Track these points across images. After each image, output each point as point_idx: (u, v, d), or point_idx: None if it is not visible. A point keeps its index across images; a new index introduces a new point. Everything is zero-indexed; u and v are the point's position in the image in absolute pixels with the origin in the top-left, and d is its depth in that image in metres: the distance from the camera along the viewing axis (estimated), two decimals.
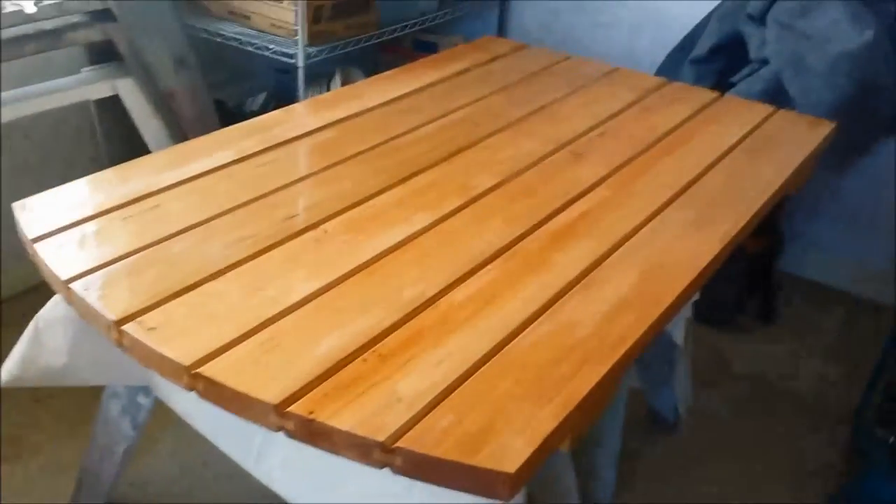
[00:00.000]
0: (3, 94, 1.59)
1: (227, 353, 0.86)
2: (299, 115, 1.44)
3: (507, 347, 0.90)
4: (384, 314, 0.93)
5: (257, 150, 1.29)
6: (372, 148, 1.33)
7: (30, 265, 1.03)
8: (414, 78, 1.62)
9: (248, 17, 1.94)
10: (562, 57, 1.79)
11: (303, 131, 1.36)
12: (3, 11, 1.48)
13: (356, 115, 1.45)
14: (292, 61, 1.85)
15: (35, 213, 1.08)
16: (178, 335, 0.87)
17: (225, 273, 0.98)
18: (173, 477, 1.52)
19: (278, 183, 1.19)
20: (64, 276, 0.95)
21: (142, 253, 1.01)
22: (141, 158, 1.24)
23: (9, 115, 1.56)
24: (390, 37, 2.10)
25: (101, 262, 0.98)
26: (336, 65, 2.08)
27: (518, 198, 1.21)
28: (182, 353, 0.85)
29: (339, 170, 1.25)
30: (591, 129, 1.47)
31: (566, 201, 1.21)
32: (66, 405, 1.62)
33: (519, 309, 0.96)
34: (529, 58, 1.79)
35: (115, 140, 1.93)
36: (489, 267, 1.04)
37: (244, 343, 0.87)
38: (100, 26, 1.66)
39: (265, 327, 0.90)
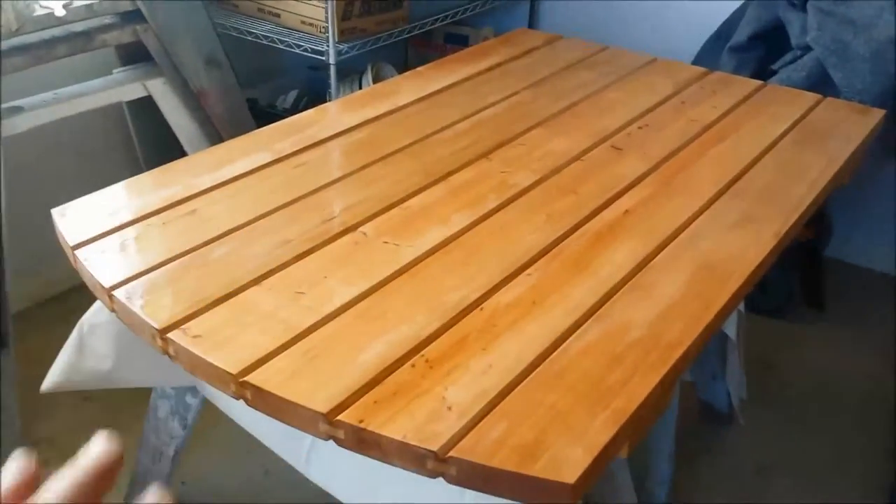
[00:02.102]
0: (35, 98, 1.59)
1: (273, 360, 0.84)
2: (333, 115, 1.42)
3: (555, 353, 0.87)
4: (428, 319, 0.91)
5: (292, 150, 1.27)
6: (407, 146, 1.31)
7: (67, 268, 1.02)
8: (446, 73, 1.60)
9: (277, 15, 1.93)
10: (597, 48, 1.76)
11: (337, 131, 1.35)
12: (34, 14, 1.48)
13: (389, 112, 1.42)
14: (323, 58, 1.84)
15: (74, 220, 1.07)
16: (223, 343, 0.86)
17: (266, 278, 0.97)
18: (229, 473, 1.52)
19: (315, 184, 1.18)
20: (106, 284, 0.95)
21: (182, 259, 1.00)
22: (177, 161, 1.23)
23: (41, 119, 1.56)
24: (421, 31, 2.07)
25: (143, 268, 0.97)
26: (367, 60, 2.06)
27: (559, 195, 1.19)
28: (228, 361, 0.84)
29: (375, 169, 1.24)
30: (631, 122, 1.43)
31: (608, 198, 1.18)
32: (116, 402, 1.62)
33: (566, 312, 0.93)
34: (564, 50, 1.76)
35: (150, 141, 1.93)
36: (532, 268, 1.02)
37: (288, 351, 0.86)
38: (130, 27, 1.65)
39: (308, 334, 0.88)
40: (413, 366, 0.85)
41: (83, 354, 1.10)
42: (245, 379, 0.81)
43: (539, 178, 1.23)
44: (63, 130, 1.80)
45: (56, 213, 1.08)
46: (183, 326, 0.88)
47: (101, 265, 0.98)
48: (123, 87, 1.72)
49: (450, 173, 1.23)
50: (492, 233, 1.09)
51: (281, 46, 1.90)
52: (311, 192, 1.16)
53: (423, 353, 0.86)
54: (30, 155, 1.71)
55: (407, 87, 1.54)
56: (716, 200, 1.18)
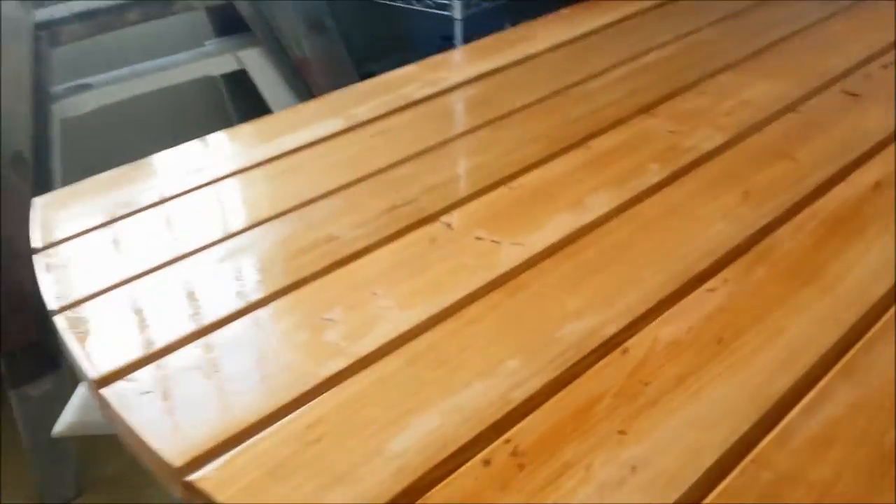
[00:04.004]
0: (107, 74, 1.35)
1: (244, 446, 0.49)
2: (439, 69, 1.05)
3: (761, 446, 0.46)
4: (527, 369, 0.52)
5: (373, 116, 0.92)
6: (533, 103, 0.92)
7: None
8: (603, 11, 1.19)
9: None
10: None
11: (440, 88, 0.98)
12: None
13: (517, 63, 1.04)
14: (448, 14, 1.48)
15: (49, 214, 0.78)
16: (180, 405, 0.52)
17: (288, 293, 0.62)
18: None
19: (391, 158, 0.82)
20: (53, 307, 0.64)
21: (168, 268, 0.67)
22: (220, 133, 0.92)
23: (109, 97, 1.32)
24: None
25: (103, 287, 0.66)
26: (505, 19, 1.68)
27: (762, 162, 0.76)
28: (175, 445, 0.49)
29: (482, 135, 0.86)
30: (871, 59, 0.96)
31: (844, 166, 0.74)
32: None
33: (779, 362, 0.51)
34: None
35: (249, 118, 1.66)
36: (718, 279, 0.60)
37: (278, 426, 0.50)
38: None
39: (319, 394, 0.52)
40: (487, 463, 0.46)
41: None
42: (190, 479, 0.47)
43: (730, 137, 0.80)
44: (159, 103, 1.57)
45: (38, 202, 0.80)
46: (127, 377, 0.55)
47: (58, 277, 0.68)
48: (212, 60, 1.45)
49: (590, 136, 0.83)
50: (649, 222, 0.68)
51: (400, 3, 1.56)
52: (384, 169, 0.80)
53: (508, 436, 0.48)
54: (114, 129, 1.48)
55: (546, 31, 1.15)
56: None
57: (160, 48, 1.50)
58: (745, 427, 0.47)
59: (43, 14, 1.25)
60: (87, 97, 1.30)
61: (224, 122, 1.68)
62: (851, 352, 0.52)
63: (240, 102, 1.63)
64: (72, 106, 1.28)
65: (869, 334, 0.53)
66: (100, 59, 1.43)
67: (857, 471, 0.44)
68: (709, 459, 0.45)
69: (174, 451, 0.49)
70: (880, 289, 0.58)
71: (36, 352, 1.24)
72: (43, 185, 1.22)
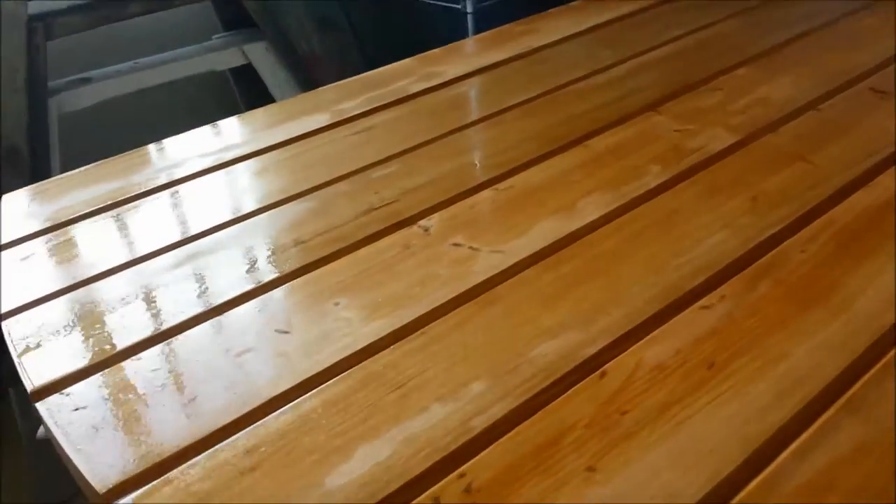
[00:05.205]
0: (108, 68, 1.32)
1: (182, 467, 0.44)
2: (437, 62, 1.00)
3: (757, 482, 0.40)
4: (493, 392, 0.47)
5: (361, 111, 0.87)
6: (529, 100, 0.86)
7: None
8: (612, 6, 1.13)
9: None
10: None
11: (434, 83, 0.93)
12: None
13: (518, 56, 0.99)
14: (458, 6, 1.43)
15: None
16: (107, 423, 0.47)
17: (243, 302, 0.57)
18: None
19: (374, 157, 0.77)
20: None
21: (133, 268, 0.63)
22: (204, 128, 0.87)
23: (108, 91, 1.29)
24: None
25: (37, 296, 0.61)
26: (518, 15, 1.62)
27: (775, 165, 0.69)
28: (96, 468, 0.45)
29: (471, 134, 0.80)
30: None
31: (867, 169, 0.67)
32: None
33: (777, 393, 0.45)
34: None
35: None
36: (714, 296, 0.54)
37: (212, 452, 0.45)
38: None
39: (266, 414, 0.47)
40: (436, 500, 0.41)
41: None
42: None
43: (741, 138, 0.74)
44: (169, 96, 1.54)
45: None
46: (64, 391, 0.51)
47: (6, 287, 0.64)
48: (218, 55, 1.42)
49: (589, 135, 0.77)
50: (644, 229, 0.62)
51: None
52: (364, 168, 0.75)
53: (463, 469, 0.43)
54: (120, 121, 1.45)
55: (553, 24, 1.09)
56: None
57: (166, 41, 1.46)
58: (728, 469, 0.41)
59: (37, 6, 1.22)
60: (86, 91, 1.27)
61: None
62: (858, 384, 0.46)
63: (248, 95, 1.59)
64: (70, 100, 1.25)
65: (879, 364, 0.47)
66: (104, 53, 1.40)
67: None
68: (694, 493, 0.39)
69: (98, 475, 0.44)
70: (892, 310, 0.51)
71: None
72: (42, 179, 1.19)
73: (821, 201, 0.64)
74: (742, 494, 0.40)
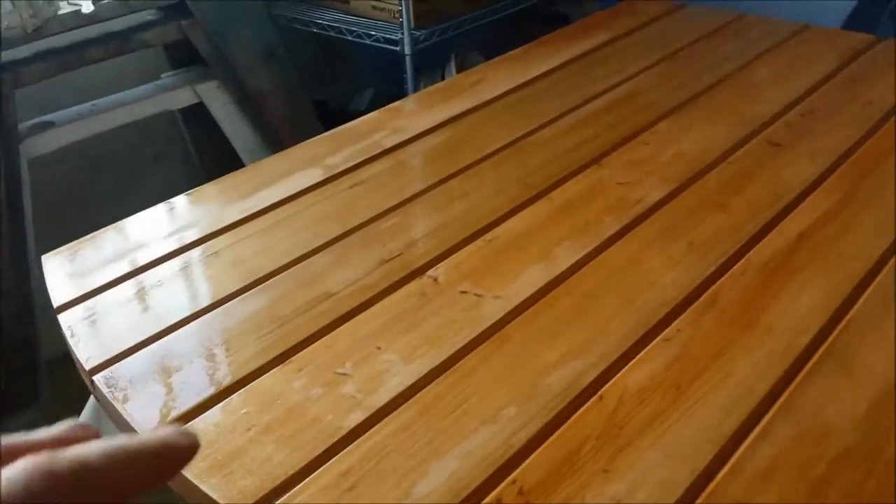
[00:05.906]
0: (69, 110, 1.38)
1: (293, 491, 0.57)
2: (404, 115, 1.14)
3: (719, 478, 0.56)
4: (521, 417, 0.62)
5: (349, 165, 1.00)
6: (494, 153, 1.01)
7: None
8: (547, 55, 1.29)
9: (346, 1, 1.67)
10: (732, 16, 1.41)
11: (407, 136, 1.06)
12: (58, 13, 1.26)
13: (473, 109, 1.13)
14: (397, 49, 1.56)
15: (57, 273, 0.83)
16: (224, 462, 0.59)
17: (296, 352, 0.70)
18: None
19: (374, 210, 0.90)
20: (87, 366, 0.70)
21: (188, 326, 0.74)
22: (198, 189, 0.98)
23: (74, 135, 1.35)
24: (513, 10, 1.77)
25: (123, 349, 0.72)
26: (451, 50, 1.78)
27: (702, 213, 0.87)
28: (226, 493, 0.57)
29: (453, 186, 0.95)
30: (789, 107, 1.09)
31: (772, 216, 0.86)
32: None
33: (728, 404, 0.62)
34: (691, 20, 1.42)
35: (210, 150, 1.71)
36: (674, 328, 0.70)
37: (316, 475, 0.58)
38: (174, 24, 1.43)
39: (348, 443, 0.60)
40: (499, 502, 0.55)
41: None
42: None
43: (672, 189, 0.91)
44: (116, 138, 1.60)
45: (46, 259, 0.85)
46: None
47: (84, 337, 0.74)
48: (171, 94, 1.50)
49: (550, 187, 0.93)
50: (613, 272, 0.78)
51: (349, 37, 1.63)
52: (368, 222, 0.88)
53: (513, 476, 0.57)
54: (75, 167, 1.51)
55: (496, 76, 1.24)
56: None
57: (119, 83, 1.53)
58: (704, 462, 0.57)
59: (5, 55, 1.27)
60: (53, 135, 1.33)
61: (184, 156, 1.72)
62: (787, 391, 0.63)
63: (196, 133, 1.67)
64: (38, 144, 1.31)
65: (803, 372, 0.64)
66: (62, 96, 1.45)
67: (796, 501, 0.54)
68: (678, 492, 0.55)
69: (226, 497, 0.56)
70: (812, 331, 0.69)
71: (18, 384, 1.27)
72: (15, 223, 1.25)
73: (741, 245, 0.81)
74: (717, 480, 0.56)
